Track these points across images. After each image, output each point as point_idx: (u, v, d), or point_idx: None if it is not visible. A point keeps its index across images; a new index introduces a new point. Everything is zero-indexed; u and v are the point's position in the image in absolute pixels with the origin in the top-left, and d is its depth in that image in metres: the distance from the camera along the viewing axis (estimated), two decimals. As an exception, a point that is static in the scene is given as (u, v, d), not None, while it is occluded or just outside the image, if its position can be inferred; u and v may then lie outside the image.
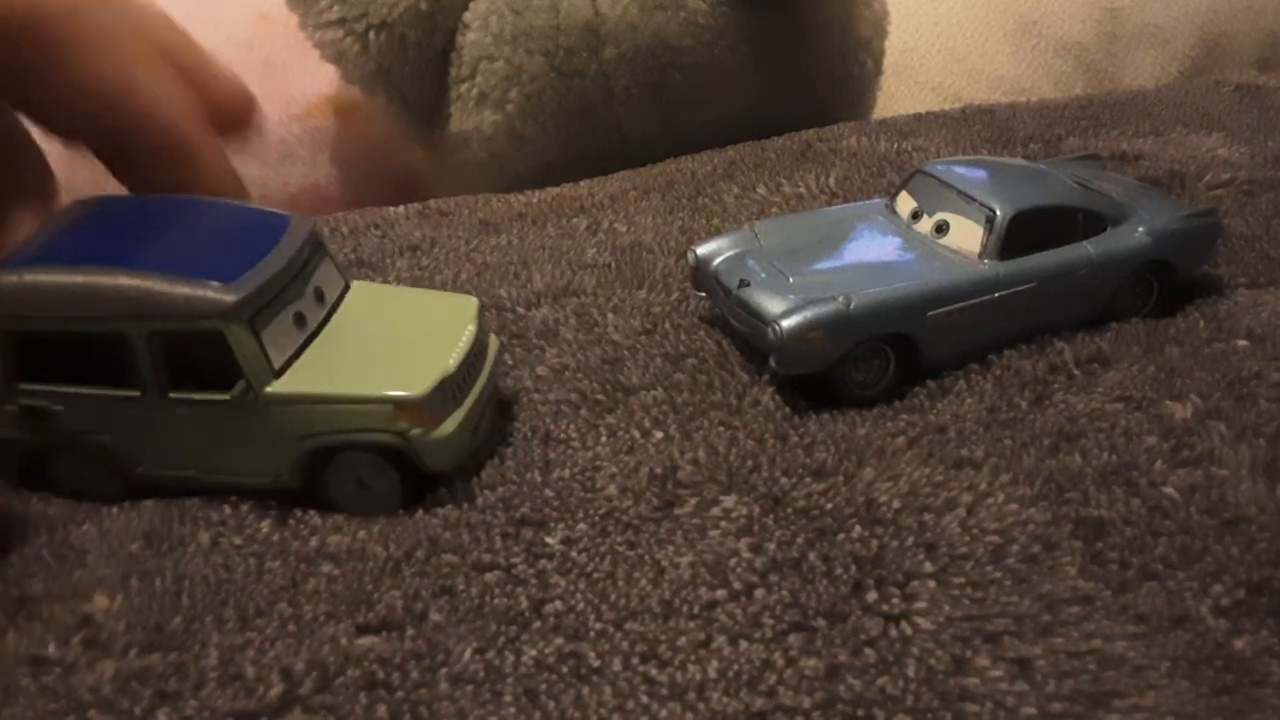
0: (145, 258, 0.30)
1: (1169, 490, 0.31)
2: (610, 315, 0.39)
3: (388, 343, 0.32)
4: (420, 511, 0.31)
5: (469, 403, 0.31)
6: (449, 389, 0.31)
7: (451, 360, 0.31)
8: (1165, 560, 0.29)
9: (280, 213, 0.33)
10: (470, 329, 0.32)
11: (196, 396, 0.30)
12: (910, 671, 0.26)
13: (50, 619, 0.28)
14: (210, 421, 0.30)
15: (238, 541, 0.30)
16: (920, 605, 0.28)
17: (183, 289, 0.29)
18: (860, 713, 0.25)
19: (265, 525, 0.30)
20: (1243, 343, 0.37)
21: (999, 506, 0.30)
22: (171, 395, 0.30)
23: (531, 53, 0.51)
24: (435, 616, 0.28)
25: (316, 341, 0.31)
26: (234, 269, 0.30)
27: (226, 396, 0.30)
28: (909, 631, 0.27)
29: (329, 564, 0.29)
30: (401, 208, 0.49)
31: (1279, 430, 0.33)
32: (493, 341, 0.34)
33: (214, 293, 0.29)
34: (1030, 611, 0.28)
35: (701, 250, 0.39)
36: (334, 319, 0.32)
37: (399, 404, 0.30)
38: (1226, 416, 0.33)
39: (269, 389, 0.30)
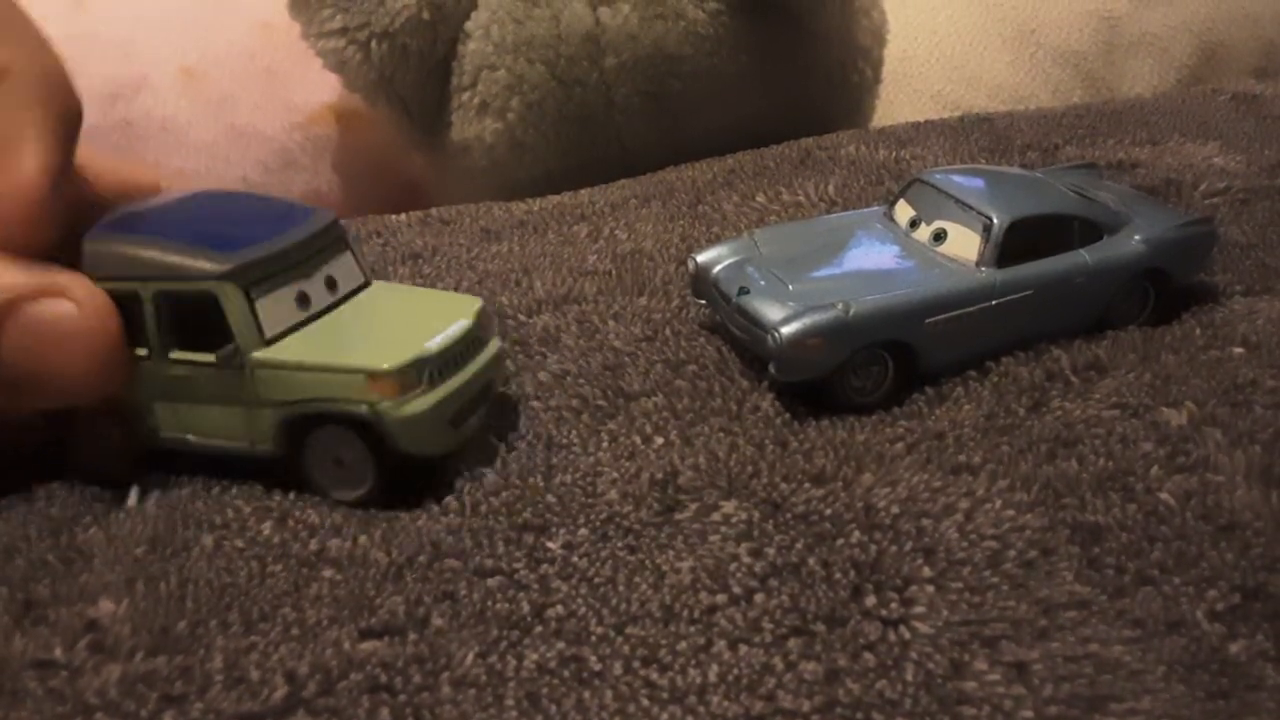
0: (163, 229, 0.32)
1: (1165, 496, 0.31)
2: (611, 322, 0.40)
3: (380, 327, 0.33)
4: (422, 517, 0.31)
5: (446, 389, 0.32)
6: (423, 369, 0.31)
7: (431, 344, 0.32)
8: (1161, 565, 0.29)
9: (310, 206, 0.35)
10: (463, 323, 0.33)
11: (190, 357, 0.32)
12: (908, 675, 0.26)
13: (56, 623, 0.28)
14: (202, 384, 0.32)
15: (240, 545, 0.30)
16: (918, 610, 0.28)
17: (184, 253, 0.31)
18: (859, 716, 0.26)
19: (266, 527, 0.31)
20: (1238, 350, 0.37)
21: (996, 512, 0.31)
22: (171, 356, 0.32)
23: (533, 62, 0.51)
24: (437, 621, 0.28)
25: (317, 323, 0.33)
26: (241, 243, 0.32)
27: (213, 358, 0.31)
28: (907, 636, 0.27)
29: (331, 569, 0.29)
30: (403, 215, 0.50)
31: (1274, 436, 0.33)
32: (493, 343, 0.35)
33: (210, 260, 0.31)
34: (1027, 616, 0.28)
35: (701, 258, 0.39)
36: (341, 307, 0.34)
37: (371, 374, 0.31)
38: (1222, 423, 0.33)
39: (255, 354, 0.31)
